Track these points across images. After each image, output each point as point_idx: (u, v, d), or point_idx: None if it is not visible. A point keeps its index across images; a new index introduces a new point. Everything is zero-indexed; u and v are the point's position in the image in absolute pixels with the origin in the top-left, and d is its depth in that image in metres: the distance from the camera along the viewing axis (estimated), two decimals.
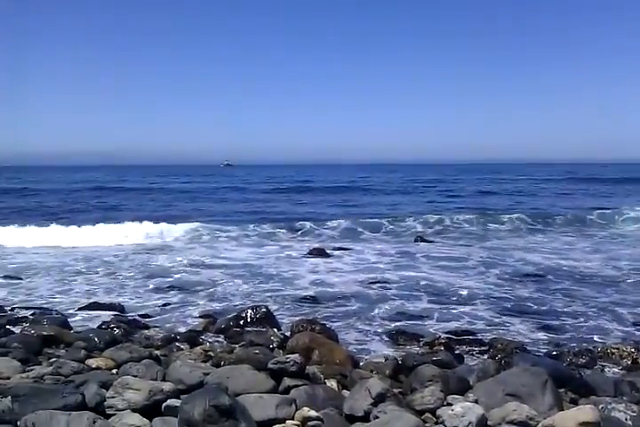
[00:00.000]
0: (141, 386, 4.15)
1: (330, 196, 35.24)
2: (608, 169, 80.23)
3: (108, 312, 8.00)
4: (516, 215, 20.31)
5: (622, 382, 5.06)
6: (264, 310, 7.42)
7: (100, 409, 3.96)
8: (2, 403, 3.96)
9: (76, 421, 3.47)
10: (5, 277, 10.58)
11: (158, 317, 8.03)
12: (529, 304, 8.67)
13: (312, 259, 12.90)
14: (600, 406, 4.26)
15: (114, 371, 5.20)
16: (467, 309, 8.41)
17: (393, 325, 7.58)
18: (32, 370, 5.00)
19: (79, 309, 8.26)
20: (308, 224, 18.58)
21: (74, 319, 7.66)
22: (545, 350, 6.43)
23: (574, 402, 4.60)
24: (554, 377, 4.44)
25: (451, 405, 4.08)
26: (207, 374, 4.72)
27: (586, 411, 3.74)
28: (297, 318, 7.25)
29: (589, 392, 4.87)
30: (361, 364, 5.72)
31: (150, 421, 3.82)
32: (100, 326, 7.03)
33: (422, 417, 4.05)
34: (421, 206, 27.21)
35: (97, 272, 11.29)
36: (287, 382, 4.63)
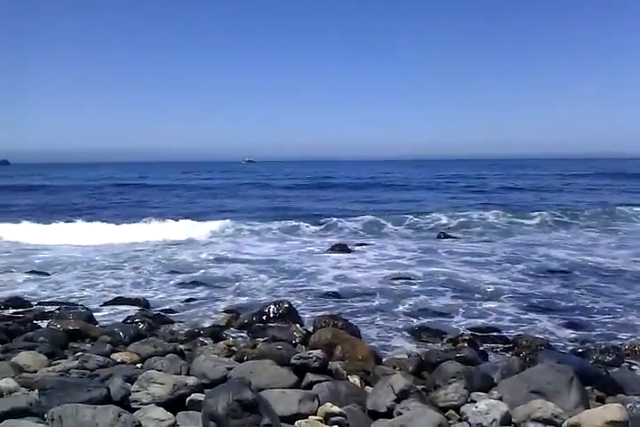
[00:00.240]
0: (166, 380, 4.18)
1: (351, 192, 35.19)
2: (627, 164, 78.73)
3: (132, 307, 8.09)
4: (539, 211, 20.02)
5: None
6: (286, 305, 7.43)
7: (125, 403, 4.00)
8: (29, 396, 4.04)
9: (101, 414, 3.50)
10: (32, 272, 10.73)
11: (182, 312, 8.09)
12: (555, 301, 8.54)
13: (334, 254, 12.88)
14: (628, 405, 4.17)
15: (138, 365, 5.26)
16: (492, 305, 8.32)
17: (416, 321, 7.54)
18: (58, 364, 5.08)
19: (104, 304, 8.36)
20: (330, 220, 18.55)
21: (99, 314, 7.75)
22: (571, 348, 6.34)
23: (601, 400, 4.52)
24: (580, 375, 4.35)
25: (474, 402, 4.05)
26: (230, 368, 4.73)
27: (613, 410, 3.67)
28: (319, 314, 7.27)
29: (617, 391, 4.78)
30: (384, 360, 5.68)
31: (174, 415, 3.84)
32: (124, 321, 7.11)
33: (446, 414, 4.02)
34: (444, 202, 26.98)
35: (122, 268, 11.42)
36: (310, 377, 4.62)
